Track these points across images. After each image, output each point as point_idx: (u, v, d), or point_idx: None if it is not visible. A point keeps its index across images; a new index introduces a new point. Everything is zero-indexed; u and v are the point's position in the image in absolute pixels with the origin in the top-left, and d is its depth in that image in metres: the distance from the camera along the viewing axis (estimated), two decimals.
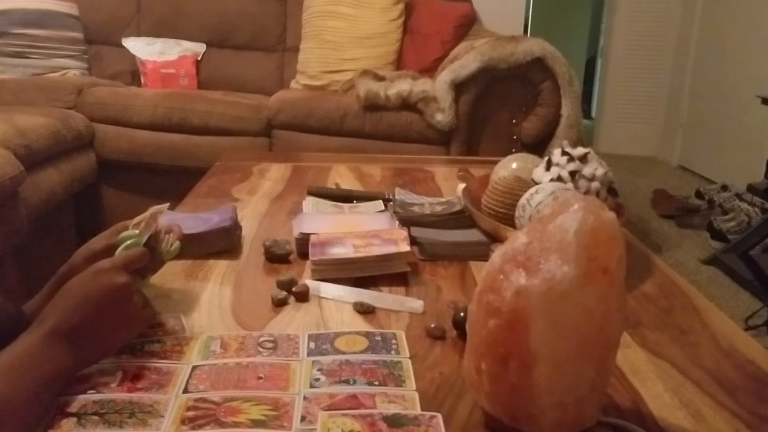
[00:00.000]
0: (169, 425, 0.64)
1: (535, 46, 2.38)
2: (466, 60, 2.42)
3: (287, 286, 0.94)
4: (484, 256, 1.07)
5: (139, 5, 3.15)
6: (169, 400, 0.68)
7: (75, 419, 0.64)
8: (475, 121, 2.47)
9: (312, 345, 0.80)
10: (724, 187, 3.28)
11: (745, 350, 0.84)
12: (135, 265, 0.76)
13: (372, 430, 0.63)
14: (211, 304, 0.92)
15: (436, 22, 3.00)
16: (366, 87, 2.51)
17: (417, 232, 1.14)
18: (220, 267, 1.05)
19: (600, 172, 1.16)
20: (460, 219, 1.21)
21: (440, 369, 0.76)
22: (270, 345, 0.79)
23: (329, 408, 0.67)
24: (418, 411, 0.67)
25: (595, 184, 1.15)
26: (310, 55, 3.00)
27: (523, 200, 1.10)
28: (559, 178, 1.15)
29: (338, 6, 2.97)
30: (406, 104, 2.47)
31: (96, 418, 0.64)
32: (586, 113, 5.27)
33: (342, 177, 1.64)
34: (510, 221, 1.12)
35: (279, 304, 0.91)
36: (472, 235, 1.16)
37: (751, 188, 2.64)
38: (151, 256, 0.80)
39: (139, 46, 3.05)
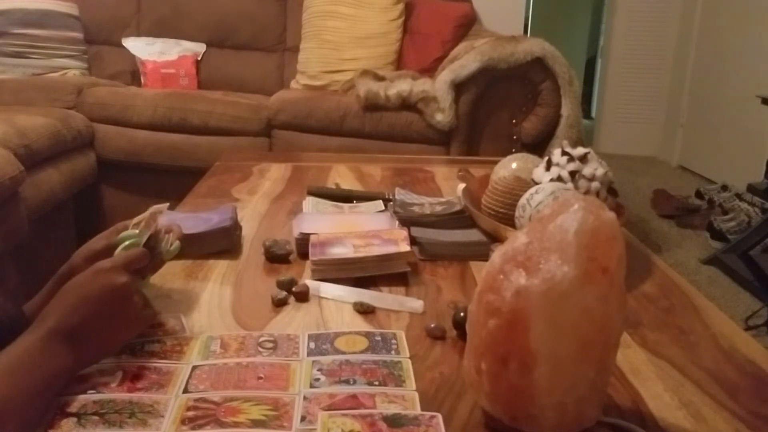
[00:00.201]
0: (169, 425, 0.64)
1: (535, 46, 2.38)
2: (466, 60, 2.42)
3: (287, 286, 0.94)
4: (484, 256, 1.07)
5: (139, 5, 3.15)
6: (169, 400, 0.68)
7: (75, 419, 0.64)
8: (475, 121, 2.47)
9: (312, 345, 0.80)
10: (724, 187, 3.28)
11: (745, 350, 0.84)
12: (135, 266, 0.76)
13: (372, 430, 0.63)
14: (211, 304, 0.92)
15: (436, 22, 3.00)
16: (366, 87, 2.51)
17: (417, 232, 1.14)
18: (220, 267, 1.05)
19: (600, 172, 1.16)
20: (460, 219, 1.21)
21: (440, 369, 0.76)
22: (270, 345, 0.79)
23: (329, 408, 0.67)
24: (418, 411, 0.67)
25: (595, 184, 1.15)
26: (310, 55, 3.00)
27: (523, 200, 1.10)
28: (559, 178, 1.15)
29: (338, 6, 2.97)
30: (406, 104, 2.47)
31: (96, 418, 0.64)
32: (586, 113, 5.28)
33: (342, 177, 1.64)
34: (510, 221, 1.12)
35: (279, 304, 0.91)
36: (472, 235, 1.16)
37: (751, 188, 2.64)
38: (151, 256, 0.80)
39: (139, 46, 3.05)
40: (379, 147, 2.45)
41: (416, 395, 0.70)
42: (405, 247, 1.03)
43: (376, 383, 0.71)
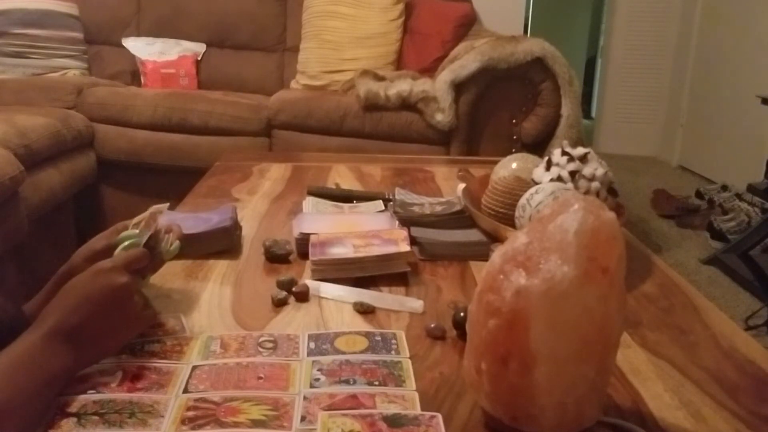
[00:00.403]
0: (169, 425, 0.64)
1: (535, 46, 2.38)
2: (466, 60, 2.42)
3: (287, 286, 0.94)
4: (484, 256, 1.07)
5: (139, 5, 3.15)
6: (169, 400, 0.68)
7: (75, 419, 0.64)
8: (475, 121, 2.47)
9: (312, 345, 0.80)
10: (724, 187, 3.28)
11: (745, 350, 0.83)
12: (135, 266, 0.76)
13: (372, 430, 0.63)
14: (211, 304, 0.92)
15: (436, 22, 3.00)
16: (366, 87, 2.51)
17: (417, 232, 1.14)
18: (220, 267, 1.05)
19: (600, 172, 1.16)
20: (460, 219, 1.21)
21: (440, 369, 0.76)
22: (270, 345, 0.79)
23: (329, 408, 0.67)
24: (418, 411, 0.67)
25: (595, 184, 1.15)
26: (310, 55, 2.99)
27: (523, 200, 1.10)
28: (559, 178, 1.15)
29: (338, 6, 2.97)
30: (406, 104, 2.47)
31: (96, 418, 0.64)
32: (586, 113, 5.27)
33: (342, 177, 1.64)
34: (510, 221, 1.12)
35: (279, 304, 0.91)
36: (472, 235, 1.16)
37: (751, 188, 2.63)
38: (151, 256, 0.80)
39: (139, 46, 3.05)
40: (379, 147, 2.45)
41: (416, 395, 0.70)
42: (405, 247, 1.03)
43: (376, 383, 0.71)
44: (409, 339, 0.82)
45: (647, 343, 0.84)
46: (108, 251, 0.79)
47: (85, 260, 0.80)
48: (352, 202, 1.38)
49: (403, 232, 1.09)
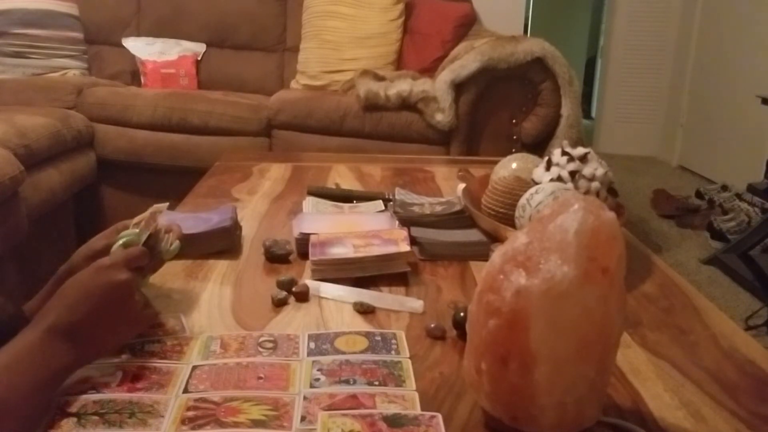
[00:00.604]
0: (169, 425, 0.64)
1: (535, 46, 2.38)
2: (466, 60, 2.42)
3: (287, 286, 0.94)
4: (484, 256, 1.07)
5: (139, 5, 3.15)
6: (169, 400, 0.68)
7: (75, 419, 0.64)
8: (475, 121, 2.47)
9: (312, 345, 0.80)
10: (724, 187, 3.28)
11: (745, 350, 0.84)
12: (135, 264, 0.76)
13: (372, 430, 0.63)
14: (211, 304, 0.92)
15: (436, 22, 3.00)
16: (366, 87, 2.51)
17: (417, 232, 1.14)
18: (220, 267, 1.05)
19: (600, 172, 1.16)
20: (460, 219, 1.21)
21: (440, 369, 0.76)
22: (270, 345, 0.79)
23: (329, 408, 0.67)
24: (418, 411, 0.67)
25: (595, 184, 1.15)
26: (310, 55, 2.99)
27: (523, 200, 1.10)
28: (559, 178, 1.15)
29: (338, 6, 2.97)
30: (406, 104, 2.47)
31: (96, 418, 0.64)
32: (586, 113, 5.28)
33: (342, 177, 1.64)
34: (510, 221, 1.12)
35: (279, 304, 0.91)
36: (472, 235, 1.16)
37: (751, 188, 2.63)
38: (151, 255, 0.80)
39: (139, 46, 3.05)
40: (379, 147, 2.45)
41: (416, 395, 0.70)
42: (405, 247, 1.03)
43: (376, 383, 0.71)
44: (409, 339, 0.82)
45: (647, 343, 0.85)
46: (108, 251, 0.79)
47: (85, 260, 0.80)
48: (352, 202, 1.38)
49: (403, 232, 1.09)
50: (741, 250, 2.61)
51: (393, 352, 0.79)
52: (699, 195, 3.36)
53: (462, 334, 0.78)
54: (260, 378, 0.72)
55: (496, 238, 1.12)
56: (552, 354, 0.59)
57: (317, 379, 0.72)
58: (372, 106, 2.48)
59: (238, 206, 1.28)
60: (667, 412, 0.69)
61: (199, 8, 3.13)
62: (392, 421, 0.65)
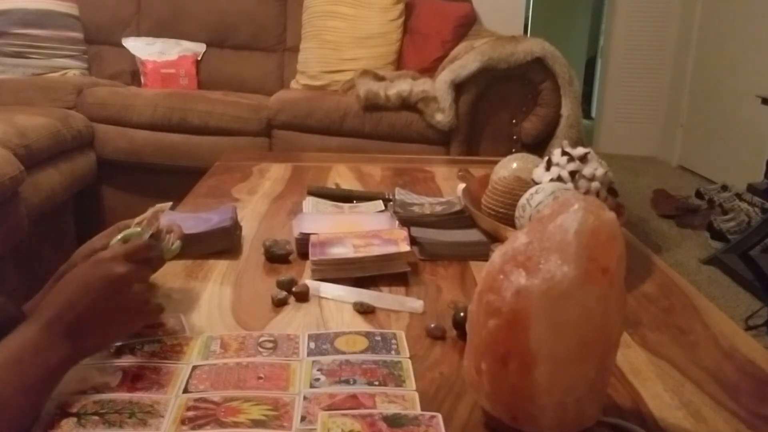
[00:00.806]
0: (169, 425, 0.64)
1: (535, 46, 2.38)
2: (466, 60, 2.42)
3: (287, 286, 0.94)
4: (484, 256, 1.07)
5: (139, 5, 3.15)
6: (169, 400, 0.68)
7: (75, 419, 0.64)
8: (475, 121, 2.47)
9: (312, 345, 0.80)
10: (724, 187, 3.28)
11: (745, 350, 0.84)
12: (137, 256, 0.75)
13: (372, 430, 0.63)
14: (211, 304, 0.92)
15: (436, 22, 3.00)
16: (366, 87, 2.51)
17: (417, 232, 1.14)
18: (220, 267, 1.05)
19: (600, 172, 1.16)
20: (460, 219, 1.21)
21: (440, 369, 0.76)
22: (270, 345, 0.79)
23: (329, 408, 0.67)
24: (418, 411, 0.67)
25: (595, 184, 1.15)
26: (310, 55, 2.99)
27: (523, 200, 1.10)
28: (559, 178, 1.15)
29: (338, 6, 2.97)
30: (406, 104, 2.47)
31: (96, 418, 0.64)
32: (586, 113, 5.27)
33: (342, 177, 1.64)
34: (510, 221, 1.12)
35: (279, 304, 0.91)
36: (472, 235, 1.16)
37: (751, 188, 2.63)
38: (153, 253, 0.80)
39: (139, 46, 3.05)
40: (379, 147, 2.45)
41: (416, 395, 0.70)
42: (405, 247, 1.03)
43: (376, 383, 0.71)
44: (409, 339, 0.82)
45: (647, 343, 0.85)
46: None
47: (85, 259, 0.80)
48: (352, 202, 1.38)
49: (403, 232, 1.09)
50: (741, 250, 2.61)
51: (393, 352, 0.79)
52: (699, 195, 3.36)
53: (462, 334, 0.78)
54: (260, 378, 0.72)
55: (496, 238, 1.12)
56: (552, 354, 0.59)
57: (317, 379, 0.72)
58: (372, 106, 2.48)
59: (238, 206, 1.28)
60: (667, 412, 0.69)
61: (199, 8, 3.13)
62: (392, 421, 0.65)
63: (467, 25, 3.03)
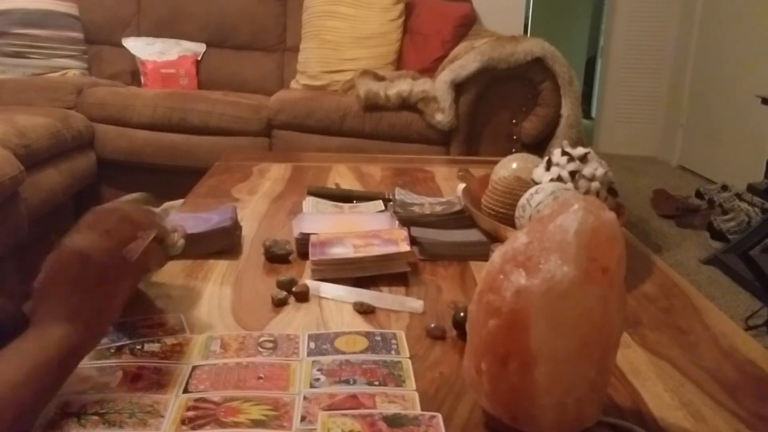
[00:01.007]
0: (169, 425, 0.64)
1: (535, 46, 2.38)
2: (466, 60, 2.42)
3: (287, 286, 0.94)
4: (484, 256, 1.07)
5: (139, 5, 3.15)
6: (169, 400, 0.68)
7: (75, 419, 0.64)
8: (475, 121, 2.47)
9: (312, 345, 0.80)
10: (724, 187, 3.28)
11: (745, 350, 0.83)
12: (133, 218, 0.75)
13: (372, 430, 0.63)
14: (211, 304, 0.92)
15: (436, 22, 3.00)
16: (366, 87, 2.51)
17: (417, 232, 1.14)
18: (220, 267, 1.05)
19: (600, 172, 1.16)
20: (460, 219, 1.21)
21: (440, 369, 0.76)
22: (270, 345, 0.79)
23: (329, 408, 0.67)
24: (418, 411, 0.67)
25: (595, 184, 1.15)
26: (310, 55, 3.00)
27: (523, 200, 1.10)
28: (559, 178, 1.15)
29: (338, 6, 2.97)
30: (406, 104, 2.47)
31: (96, 418, 0.64)
32: (586, 113, 5.28)
33: (342, 177, 1.64)
34: (510, 221, 1.12)
35: (279, 304, 0.91)
36: (472, 235, 1.16)
37: (751, 188, 2.64)
38: (158, 249, 0.80)
39: (139, 46, 3.05)
40: (379, 147, 2.45)
41: (416, 395, 0.70)
42: (405, 247, 1.03)
43: (376, 383, 0.71)
44: (409, 339, 0.82)
45: (647, 343, 0.84)
46: None
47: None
48: (352, 202, 1.38)
49: (403, 232, 1.09)
50: (741, 250, 2.61)
51: (393, 352, 0.79)
52: (699, 195, 3.36)
53: (462, 334, 0.78)
54: (260, 378, 0.72)
55: (496, 238, 1.12)
56: (552, 354, 0.59)
57: (317, 379, 0.72)
58: (372, 106, 2.48)
59: (238, 206, 1.28)
60: (667, 412, 0.69)
61: (199, 8, 3.13)
62: (392, 421, 0.65)
63: (467, 25, 3.04)
